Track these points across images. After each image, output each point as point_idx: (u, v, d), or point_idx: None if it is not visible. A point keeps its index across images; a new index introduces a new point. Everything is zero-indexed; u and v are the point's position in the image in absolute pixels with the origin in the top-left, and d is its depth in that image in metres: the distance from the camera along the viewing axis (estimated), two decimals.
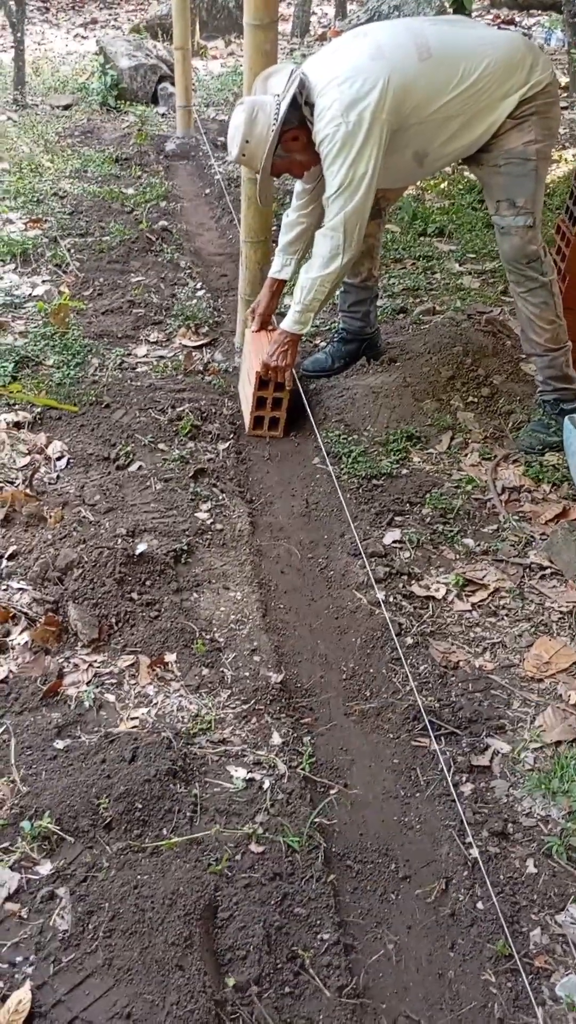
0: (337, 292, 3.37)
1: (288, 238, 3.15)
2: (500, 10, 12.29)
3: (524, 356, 3.58)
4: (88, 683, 2.18)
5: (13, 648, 2.24)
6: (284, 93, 2.66)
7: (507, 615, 2.48)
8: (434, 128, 2.72)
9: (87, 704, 2.13)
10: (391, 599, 2.50)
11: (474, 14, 9.00)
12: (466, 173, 5.33)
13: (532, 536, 2.74)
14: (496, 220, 2.89)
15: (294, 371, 3.17)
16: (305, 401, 3.28)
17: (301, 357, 3.51)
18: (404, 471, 3.00)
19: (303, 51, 9.84)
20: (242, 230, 3.39)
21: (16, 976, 1.59)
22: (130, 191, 5.34)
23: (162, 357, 3.64)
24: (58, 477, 2.86)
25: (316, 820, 1.93)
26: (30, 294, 3.99)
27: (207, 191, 5.74)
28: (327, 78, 2.64)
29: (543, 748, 2.12)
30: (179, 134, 6.54)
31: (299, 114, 2.69)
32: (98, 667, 2.23)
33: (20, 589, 2.37)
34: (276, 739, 2.10)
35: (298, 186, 3.12)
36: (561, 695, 2.25)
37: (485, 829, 1.95)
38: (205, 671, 2.26)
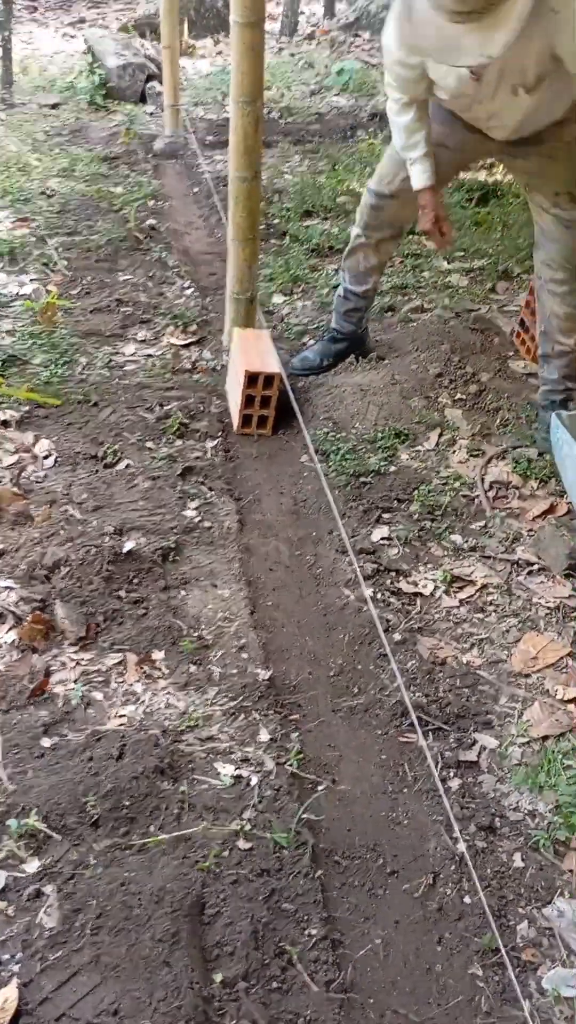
0: (335, 297, 3.42)
1: (421, 136, 2.74)
2: None
3: (513, 354, 3.59)
4: (75, 681, 2.18)
5: (0, 646, 2.24)
6: None
7: (495, 611, 2.49)
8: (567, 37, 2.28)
9: (74, 702, 2.12)
10: (379, 596, 2.50)
11: None
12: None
13: (520, 532, 2.75)
14: (558, 214, 2.80)
15: (282, 370, 3.18)
16: (293, 399, 3.28)
17: (289, 355, 3.50)
18: (392, 468, 3.00)
19: (291, 50, 9.85)
20: (230, 228, 3.39)
21: (3, 974, 1.59)
22: (118, 190, 5.33)
23: (150, 355, 3.64)
24: (45, 476, 2.85)
25: (304, 816, 1.93)
26: (17, 293, 3.98)
27: (195, 190, 5.73)
28: None
29: (530, 743, 2.13)
30: (167, 133, 6.53)
31: None
32: (85, 665, 2.23)
33: (7, 587, 2.37)
34: (264, 736, 2.10)
35: (395, 94, 2.72)
36: (548, 690, 2.26)
37: (472, 824, 1.96)
38: (193, 668, 2.26)
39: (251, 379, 3.12)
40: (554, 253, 2.89)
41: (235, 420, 3.25)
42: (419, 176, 2.79)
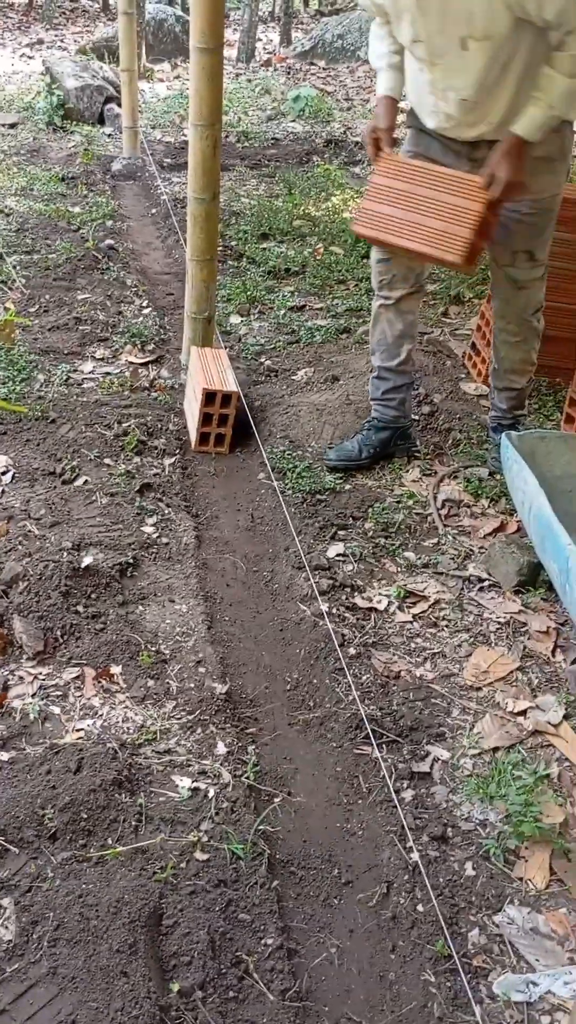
0: (370, 378, 3.16)
1: (389, 48, 2.67)
2: None
3: (464, 376, 3.68)
4: (33, 695, 2.19)
5: None
6: None
7: (447, 626, 2.55)
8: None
9: (32, 716, 2.13)
10: (334, 611, 2.54)
11: None
12: None
13: (471, 550, 2.81)
14: (511, 273, 2.79)
15: (239, 389, 3.20)
16: (250, 418, 3.33)
17: (327, 446, 3.25)
18: (347, 487, 3.06)
19: (248, 76, 9.98)
20: (188, 248, 3.44)
21: None
22: (76, 210, 5.36)
23: (108, 373, 3.66)
24: (3, 491, 2.86)
25: (260, 828, 1.95)
26: None
27: (153, 211, 5.78)
28: None
29: (481, 754, 2.17)
30: (125, 155, 6.58)
31: None
32: (43, 679, 2.24)
33: None
34: (221, 749, 2.12)
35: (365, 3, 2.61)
36: (499, 703, 2.31)
37: (425, 834, 1.99)
38: (151, 682, 2.28)
39: (208, 397, 3.15)
40: (506, 310, 2.90)
41: (193, 438, 3.28)
42: (380, 85, 2.74)
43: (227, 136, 7.26)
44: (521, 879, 1.91)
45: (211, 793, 2.00)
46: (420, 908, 1.85)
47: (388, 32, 2.60)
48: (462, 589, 2.66)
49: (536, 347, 2.99)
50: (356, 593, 2.63)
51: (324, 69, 10.84)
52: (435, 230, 2.58)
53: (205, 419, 3.21)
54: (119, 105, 7.06)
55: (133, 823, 1.91)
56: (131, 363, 3.76)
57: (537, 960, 1.76)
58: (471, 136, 2.60)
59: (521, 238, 2.72)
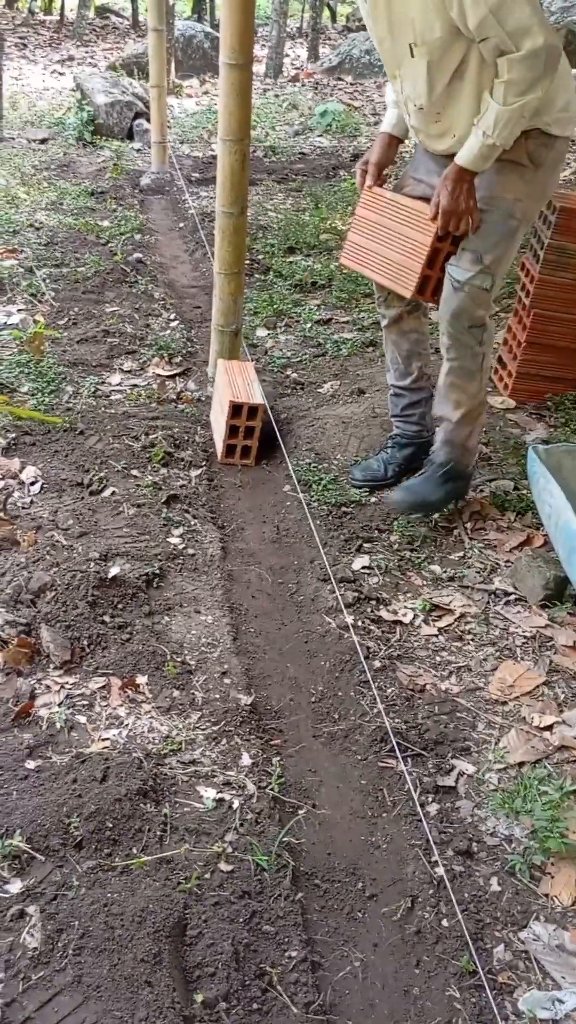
0: (388, 395, 3.11)
1: (390, 88, 2.66)
2: None
3: (491, 390, 3.67)
4: (60, 704, 2.20)
5: None
6: None
7: (472, 640, 2.54)
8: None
9: (58, 725, 2.14)
10: (359, 623, 2.54)
11: None
12: None
13: (497, 563, 2.80)
14: (450, 270, 2.56)
15: (266, 401, 3.21)
16: (276, 430, 3.34)
17: (352, 461, 3.22)
18: (372, 499, 3.06)
19: (276, 92, 10.06)
20: (216, 262, 3.46)
21: None
22: (105, 223, 5.42)
23: (136, 385, 3.69)
24: (32, 502, 2.89)
25: (285, 839, 1.95)
26: (5, 322, 4.03)
27: (181, 225, 5.84)
28: None
29: (507, 769, 2.16)
30: (154, 169, 6.65)
31: None
32: (70, 689, 2.25)
33: None
34: (246, 760, 2.13)
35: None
36: (525, 717, 2.30)
37: (450, 848, 1.98)
38: (176, 693, 2.29)
39: (235, 409, 3.17)
40: (442, 311, 2.63)
41: (219, 450, 3.30)
42: (384, 120, 2.75)
43: (255, 151, 7.32)
44: (547, 895, 1.90)
45: (236, 804, 2.01)
46: (445, 923, 1.85)
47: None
48: (488, 603, 2.65)
49: (474, 380, 2.69)
50: (381, 606, 2.63)
51: (351, 84, 10.90)
52: (394, 263, 2.66)
53: (231, 431, 3.23)
54: (148, 120, 7.15)
55: (158, 833, 1.91)
56: (158, 375, 3.79)
57: (563, 978, 1.75)
58: (441, 149, 2.58)
59: (469, 235, 2.52)
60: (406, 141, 2.82)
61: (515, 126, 2.33)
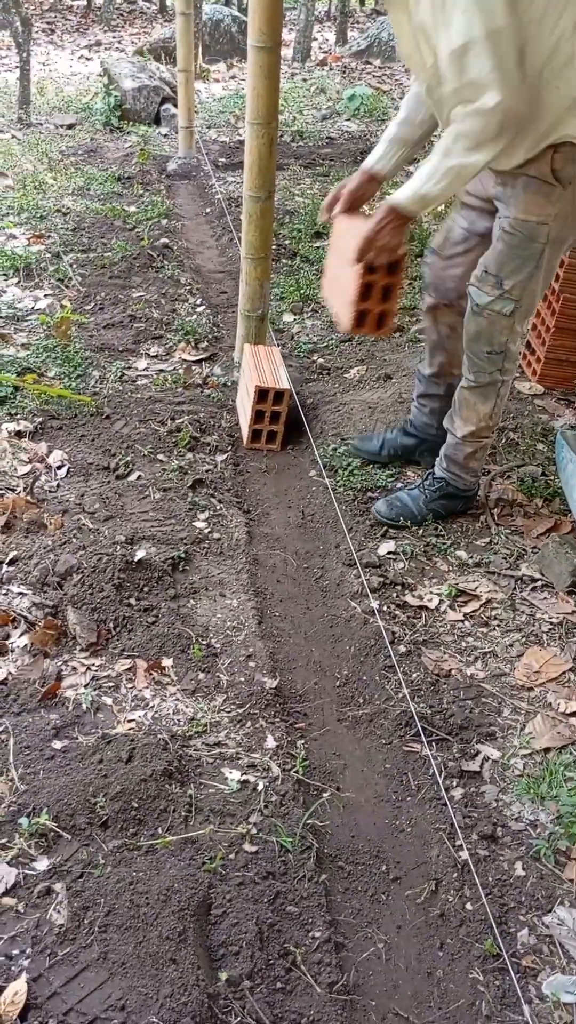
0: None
1: (402, 115, 2.53)
2: None
3: (519, 375, 3.64)
4: (86, 686, 2.22)
5: (13, 651, 2.28)
6: None
7: (498, 625, 2.53)
8: (547, 49, 2.05)
9: (85, 706, 2.16)
10: (385, 608, 2.54)
11: None
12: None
13: (524, 549, 2.78)
14: (471, 292, 2.46)
15: (292, 386, 3.20)
16: (302, 415, 3.33)
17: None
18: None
19: (303, 76, 10.00)
20: (243, 247, 3.46)
21: (13, 968, 1.62)
22: (132, 209, 5.42)
23: (162, 370, 3.70)
24: (58, 485, 2.90)
25: (309, 822, 1.96)
26: (33, 307, 4.05)
27: (208, 210, 5.82)
28: None
29: (532, 755, 2.16)
30: (181, 154, 6.64)
31: None
32: (96, 670, 2.27)
33: (20, 593, 2.41)
34: (270, 742, 2.14)
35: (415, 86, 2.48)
36: (551, 703, 2.29)
37: (475, 832, 1.98)
38: (201, 676, 2.30)
39: (261, 394, 3.17)
40: (463, 330, 2.56)
41: (245, 434, 3.30)
42: (368, 157, 2.58)
43: (282, 135, 7.28)
44: (572, 880, 1.89)
45: (260, 786, 2.02)
46: (469, 906, 1.85)
47: (414, 93, 2.47)
48: (514, 589, 2.64)
49: (487, 403, 2.61)
50: (407, 591, 2.62)
51: (380, 68, 10.81)
52: (341, 294, 2.53)
53: (257, 416, 3.23)
54: (175, 105, 7.13)
55: (183, 813, 1.93)
56: (184, 360, 3.79)
57: None
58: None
59: (490, 253, 2.41)
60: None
61: (452, 184, 2.20)
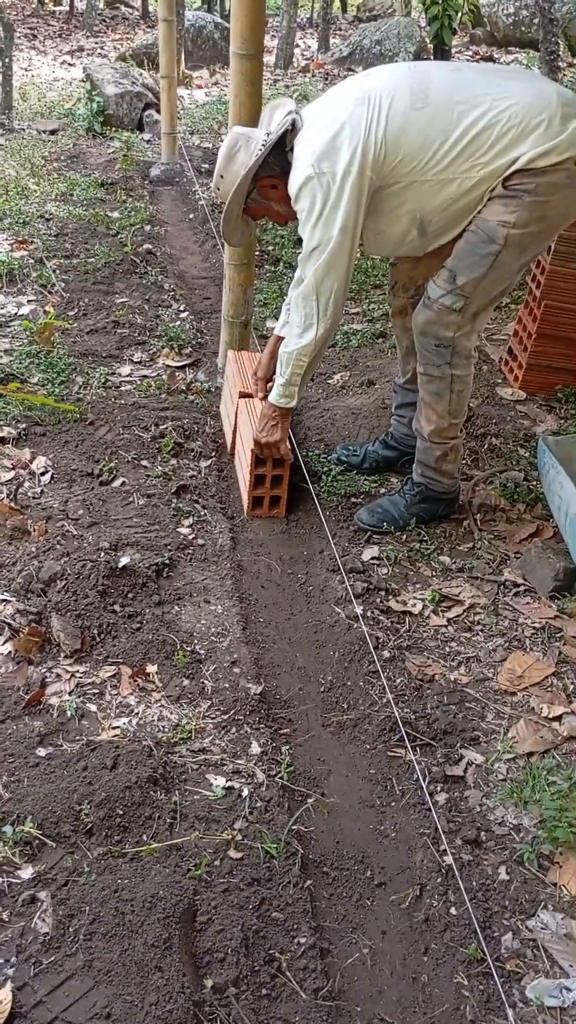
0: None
1: None
2: (479, 47, 12.58)
3: (501, 381, 3.67)
4: (70, 693, 2.21)
5: None
6: (272, 135, 2.43)
7: (482, 630, 2.54)
8: (431, 189, 2.35)
9: (69, 713, 2.16)
10: (369, 614, 2.55)
11: (453, 50, 9.21)
12: None
13: (506, 554, 2.80)
14: (428, 285, 2.54)
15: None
16: None
17: (342, 437, 3.26)
18: (382, 490, 3.06)
19: (286, 82, 10.03)
20: (226, 253, 3.46)
21: None
22: (115, 215, 5.42)
23: (146, 376, 3.70)
24: (42, 492, 2.90)
25: (294, 828, 1.97)
26: (16, 313, 4.04)
27: (191, 216, 5.83)
28: (310, 122, 2.39)
29: (515, 759, 2.17)
30: (164, 160, 6.64)
31: (283, 161, 2.45)
32: (80, 677, 2.27)
33: (3, 600, 2.40)
34: (255, 748, 2.14)
35: None
36: (533, 708, 2.30)
37: (459, 837, 1.99)
38: (186, 682, 2.30)
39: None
40: (413, 324, 2.62)
41: (228, 441, 3.30)
42: (278, 324, 2.98)
43: None
44: (555, 885, 1.90)
45: (245, 792, 2.02)
46: (453, 911, 1.85)
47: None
48: (497, 594, 2.66)
49: (442, 399, 2.63)
50: (391, 596, 2.63)
51: None
52: (241, 478, 2.99)
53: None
54: (158, 111, 7.14)
55: (168, 820, 1.93)
56: (168, 366, 3.79)
57: (571, 966, 1.75)
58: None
59: (451, 253, 2.46)
60: None
61: (295, 366, 2.64)
